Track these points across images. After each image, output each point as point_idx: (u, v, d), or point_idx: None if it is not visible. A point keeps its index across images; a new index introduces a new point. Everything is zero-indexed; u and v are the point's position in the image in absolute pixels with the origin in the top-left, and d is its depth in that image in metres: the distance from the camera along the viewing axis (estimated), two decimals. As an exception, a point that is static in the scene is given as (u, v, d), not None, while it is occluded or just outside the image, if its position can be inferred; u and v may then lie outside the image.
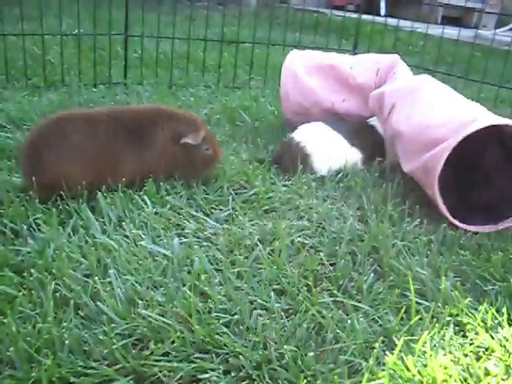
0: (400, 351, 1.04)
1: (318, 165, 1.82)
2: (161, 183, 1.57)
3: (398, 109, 1.79)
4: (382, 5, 7.04)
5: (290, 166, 1.78)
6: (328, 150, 1.84)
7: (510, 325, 1.17)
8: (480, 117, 1.54)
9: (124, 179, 1.52)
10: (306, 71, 2.23)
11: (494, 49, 2.88)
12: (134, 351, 1.01)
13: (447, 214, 1.58)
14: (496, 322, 1.17)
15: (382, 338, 1.09)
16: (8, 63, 2.59)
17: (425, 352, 1.05)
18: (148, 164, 1.58)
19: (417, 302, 1.19)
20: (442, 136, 1.54)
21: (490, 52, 2.85)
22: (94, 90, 2.62)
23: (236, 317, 1.11)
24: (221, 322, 1.09)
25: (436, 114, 1.65)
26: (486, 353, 1.09)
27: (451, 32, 3.77)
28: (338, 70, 2.20)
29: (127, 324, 1.06)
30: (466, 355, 1.06)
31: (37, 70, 2.74)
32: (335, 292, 1.22)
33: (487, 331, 1.14)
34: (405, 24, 3.78)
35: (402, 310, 1.15)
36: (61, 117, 1.55)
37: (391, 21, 3.19)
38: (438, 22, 6.93)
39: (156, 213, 1.46)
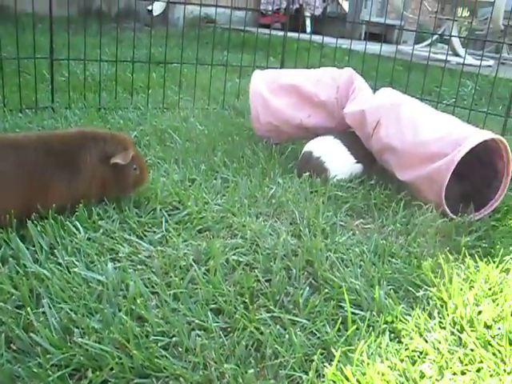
0: (338, 362, 1.06)
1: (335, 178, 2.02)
2: (92, 208, 1.55)
3: (384, 125, 2.01)
4: (308, 23, 7.21)
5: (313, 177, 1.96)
6: (341, 164, 2.06)
7: (441, 328, 1.21)
8: (470, 133, 1.83)
9: (55, 205, 1.49)
10: (271, 92, 2.38)
11: (414, 63, 2.99)
12: (71, 382, 0.99)
13: (450, 214, 1.82)
14: (429, 325, 1.21)
15: (320, 350, 1.11)
16: None
17: (363, 361, 1.07)
18: (79, 188, 1.55)
19: (352, 313, 1.22)
20: (438, 150, 1.81)
21: (411, 66, 2.96)
22: (20, 115, 2.55)
23: (174, 339, 1.10)
24: (159, 345, 1.08)
25: (426, 130, 1.90)
26: (421, 356, 1.12)
27: (374, 48, 3.91)
28: (300, 89, 2.35)
29: (63, 354, 1.03)
30: (402, 360, 1.10)
31: (-43, 97, 2.65)
32: (272, 308, 1.23)
33: (421, 335, 1.18)
34: (330, 40, 3.89)
35: (339, 321, 1.18)
36: None
37: (316, 38, 3.27)
38: (361, 38, 7.15)
39: (89, 238, 1.44)
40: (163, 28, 3.97)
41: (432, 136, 1.87)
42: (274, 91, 2.37)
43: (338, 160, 2.05)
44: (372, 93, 2.29)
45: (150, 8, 5.99)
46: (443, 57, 3.45)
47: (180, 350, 1.08)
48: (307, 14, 7.17)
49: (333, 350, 1.11)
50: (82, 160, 1.55)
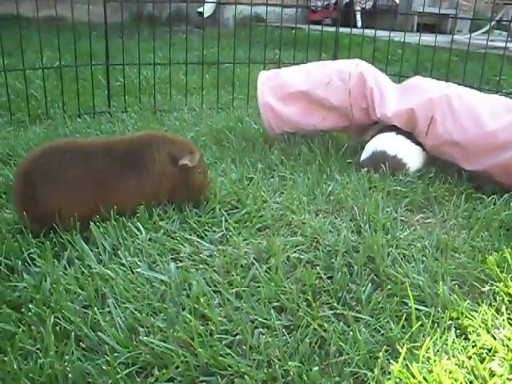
0: (404, 359, 1.04)
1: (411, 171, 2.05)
2: (153, 209, 1.58)
3: (440, 121, 1.99)
4: (358, 17, 7.12)
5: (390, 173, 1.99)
6: (415, 156, 2.09)
7: (510, 324, 1.17)
8: None
9: (123, 208, 1.53)
10: (280, 100, 2.31)
11: (471, 52, 2.91)
12: (138, 379, 1.00)
13: None
14: (497, 322, 1.17)
15: (385, 347, 1.09)
16: (-9, 100, 2.59)
17: (429, 358, 1.05)
18: (148, 190, 1.58)
19: (416, 309, 1.20)
20: (508, 139, 1.85)
21: (467, 55, 2.88)
22: (79, 120, 2.63)
23: (238, 337, 1.10)
24: (223, 343, 1.08)
25: (488, 120, 1.91)
26: (490, 354, 1.09)
27: (427, 39, 3.83)
28: (310, 95, 2.27)
29: (129, 352, 1.05)
30: (469, 358, 1.07)
31: (20, 105, 2.74)
32: (335, 305, 1.22)
33: (488, 332, 1.15)
34: (382, 34, 3.83)
35: (403, 318, 1.16)
36: (54, 148, 1.52)
37: (368, 32, 3.23)
38: (413, 29, 7.02)
39: (150, 239, 1.46)
40: (213, 29, 4.00)
41: (496, 125, 1.88)
42: (283, 99, 2.31)
43: (412, 153, 2.08)
44: (391, 82, 2.25)
45: (200, 10, 6.05)
46: (502, 44, 3.35)
47: (244, 347, 1.08)
48: (357, 8, 7.08)
49: (398, 347, 1.09)
50: (150, 161, 1.58)
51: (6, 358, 1.01)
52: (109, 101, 2.90)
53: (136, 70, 3.19)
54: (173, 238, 1.48)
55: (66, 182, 1.47)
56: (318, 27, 3.85)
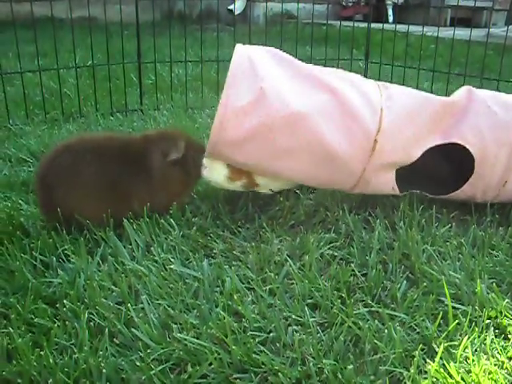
0: (441, 358, 1.02)
1: None
2: (186, 206, 1.58)
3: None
4: (390, 12, 7.05)
5: None
6: None
7: (551, 324, 1.14)
8: None
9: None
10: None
11: (507, 46, 2.85)
12: (171, 376, 1.00)
13: None
14: (537, 321, 1.15)
15: (421, 345, 1.07)
16: (26, 99, 2.63)
17: (466, 358, 1.03)
18: (157, 195, 1.55)
19: (453, 307, 1.18)
20: None
21: (504, 49, 2.82)
22: (112, 118, 2.65)
23: (272, 334, 1.09)
24: (257, 340, 1.08)
25: None
26: (531, 354, 1.06)
27: (461, 33, 3.76)
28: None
29: (163, 349, 1.05)
30: (510, 358, 1.04)
31: (54, 104, 2.78)
32: (369, 302, 1.21)
33: (529, 332, 1.12)
34: (414, 29, 3.78)
35: (439, 316, 1.13)
36: (69, 148, 1.51)
37: (400, 27, 3.19)
38: (447, 24, 6.91)
39: (183, 235, 1.46)
40: (243, 26, 4.00)
41: None
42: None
43: None
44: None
45: (230, 8, 6.05)
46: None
47: (277, 345, 1.07)
48: (389, 2, 7.01)
49: (434, 346, 1.07)
50: (150, 162, 1.54)
51: (42, 353, 1.02)
52: (141, 99, 2.92)
53: (167, 68, 3.20)
54: (206, 234, 1.48)
55: (82, 183, 1.47)
56: (349, 23, 3.82)
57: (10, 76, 2.88)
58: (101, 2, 2.70)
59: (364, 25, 3.64)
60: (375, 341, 1.07)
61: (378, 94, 1.51)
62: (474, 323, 1.14)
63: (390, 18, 6.94)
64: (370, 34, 3.29)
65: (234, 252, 1.39)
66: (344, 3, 7.15)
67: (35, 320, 1.13)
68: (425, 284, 1.26)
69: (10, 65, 3.40)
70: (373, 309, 1.19)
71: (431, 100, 1.57)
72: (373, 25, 3.28)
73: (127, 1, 2.87)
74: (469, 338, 1.08)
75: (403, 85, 2.81)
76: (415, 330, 1.14)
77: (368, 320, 1.15)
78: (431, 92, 2.83)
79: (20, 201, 1.67)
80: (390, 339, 1.08)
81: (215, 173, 1.56)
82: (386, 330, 1.09)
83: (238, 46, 1.49)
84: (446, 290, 1.18)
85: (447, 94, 2.80)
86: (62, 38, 3.72)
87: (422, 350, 1.07)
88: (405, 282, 1.28)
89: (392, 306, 1.21)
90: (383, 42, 3.19)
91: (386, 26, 3.19)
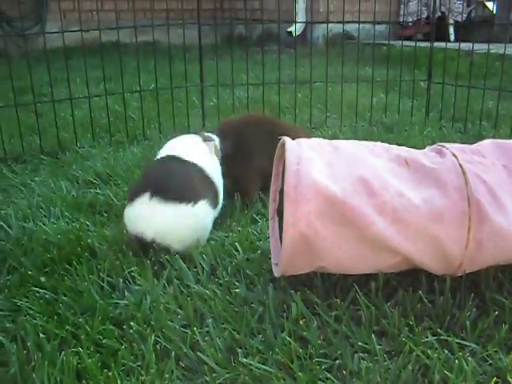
0: (517, 392, 0.98)
1: None
2: (249, 229, 1.58)
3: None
4: (452, 31, 6.93)
5: None
6: None
7: None
8: None
9: None
10: None
11: None
12: (238, 401, 1.00)
13: None
14: None
15: (495, 378, 1.03)
16: (93, 122, 2.71)
17: (544, 391, 0.99)
18: None
19: (528, 338, 1.13)
20: None
21: None
22: (175, 140, 2.69)
23: (338, 361, 1.08)
24: (323, 367, 1.06)
25: None
26: None
27: (528, 50, 3.65)
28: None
29: (228, 373, 1.05)
30: None
31: (119, 126, 2.85)
32: (438, 330, 1.17)
33: None
34: (477, 47, 3.70)
35: (514, 347, 1.09)
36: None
37: (463, 45, 3.12)
38: None
39: (248, 259, 1.47)
40: (302, 48, 4.02)
41: None
42: None
43: None
44: None
45: (289, 29, 6.09)
46: None
47: (344, 372, 1.05)
48: (451, 21, 6.90)
49: (509, 379, 1.03)
50: None
51: (110, 374, 1.04)
52: (203, 121, 2.96)
53: (229, 91, 3.23)
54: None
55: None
56: (410, 43, 3.78)
57: (78, 100, 2.97)
58: (163, 27, 2.78)
59: (425, 44, 3.59)
60: (445, 371, 1.04)
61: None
62: (550, 355, 1.09)
63: (452, 37, 6.82)
64: (432, 54, 3.24)
65: (299, 277, 1.38)
66: (404, 23, 7.09)
67: (103, 341, 1.14)
68: (496, 313, 1.21)
69: (77, 90, 3.52)
70: (441, 337, 1.15)
71: None
72: (434, 44, 3.23)
73: (188, 25, 2.93)
74: (546, 370, 1.03)
75: (468, 105, 2.76)
76: (487, 361, 1.09)
77: (436, 349, 1.11)
78: (497, 111, 2.77)
79: (87, 222, 1.72)
80: (461, 370, 1.04)
81: None
82: (456, 361, 1.06)
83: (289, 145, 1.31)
84: (521, 319, 1.14)
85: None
86: (126, 62, 3.84)
87: (496, 383, 1.03)
88: (474, 309, 1.23)
89: (461, 335, 1.17)
90: (445, 61, 3.14)
91: (449, 44, 3.13)
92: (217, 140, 1.81)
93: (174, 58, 3.01)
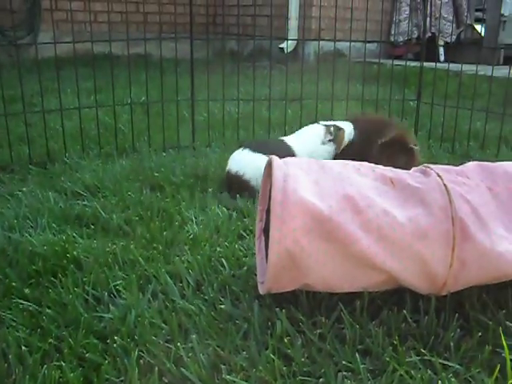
0: (499, 414, 0.98)
1: None
2: (235, 245, 1.58)
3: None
4: (441, 51, 7.01)
5: None
6: None
7: None
8: None
9: None
10: None
11: None
12: (220, 419, 0.99)
13: None
14: None
15: (477, 399, 1.03)
16: (83, 133, 2.71)
17: (526, 414, 0.99)
18: None
19: (511, 360, 1.13)
20: None
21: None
22: (164, 154, 2.69)
23: (321, 379, 1.08)
24: (306, 385, 1.06)
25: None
26: None
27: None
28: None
29: (212, 390, 1.05)
30: None
31: (109, 139, 2.84)
32: (422, 350, 1.18)
33: None
34: (466, 68, 3.75)
35: (497, 369, 1.09)
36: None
37: (453, 66, 3.15)
38: (500, 62, 6.82)
39: (233, 275, 1.46)
40: (293, 64, 4.04)
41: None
42: None
43: None
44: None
45: (281, 46, 6.13)
46: None
47: (327, 391, 1.05)
48: (440, 42, 6.98)
49: (491, 401, 1.03)
50: None
51: (91, 389, 1.03)
52: (193, 135, 2.96)
53: (219, 105, 3.24)
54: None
55: None
56: (401, 62, 3.81)
57: (69, 111, 2.97)
58: (156, 41, 2.79)
59: (415, 63, 3.63)
60: (428, 391, 1.04)
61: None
62: (534, 377, 1.10)
63: (442, 57, 6.90)
64: (422, 73, 3.27)
65: (285, 294, 1.38)
66: (395, 42, 7.16)
67: (86, 355, 1.14)
68: (480, 334, 1.22)
69: (68, 100, 3.52)
70: (425, 357, 1.15)
71: None
72: (424, 64, 3.26)
73: (181, 39, 2.95)
74: (528, 393, 1.04)
75: (456, 125, 2.78)
76: (470, 382, 1.10)
77: (420, 369, 1.12)
78: (484, 131, 2.79)
79: (74, 234, 1.71)
80: (444, 390, 1.04)
81: None
82: (439, 381, 1.06)
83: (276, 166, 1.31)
84: (504, 341, 1.14)
85: (501, 135, 2.76)
86: (118, 74, 3.84)
87: (478, 403, 1.03)
88: (458, 330, 1.24)
89: (445, 355, 1.17)
90: (435, 81, 3.17)
91: (438, 64, 3.16)
92: (349, 129, 2.39)
93: (166, 71, 3.01)
